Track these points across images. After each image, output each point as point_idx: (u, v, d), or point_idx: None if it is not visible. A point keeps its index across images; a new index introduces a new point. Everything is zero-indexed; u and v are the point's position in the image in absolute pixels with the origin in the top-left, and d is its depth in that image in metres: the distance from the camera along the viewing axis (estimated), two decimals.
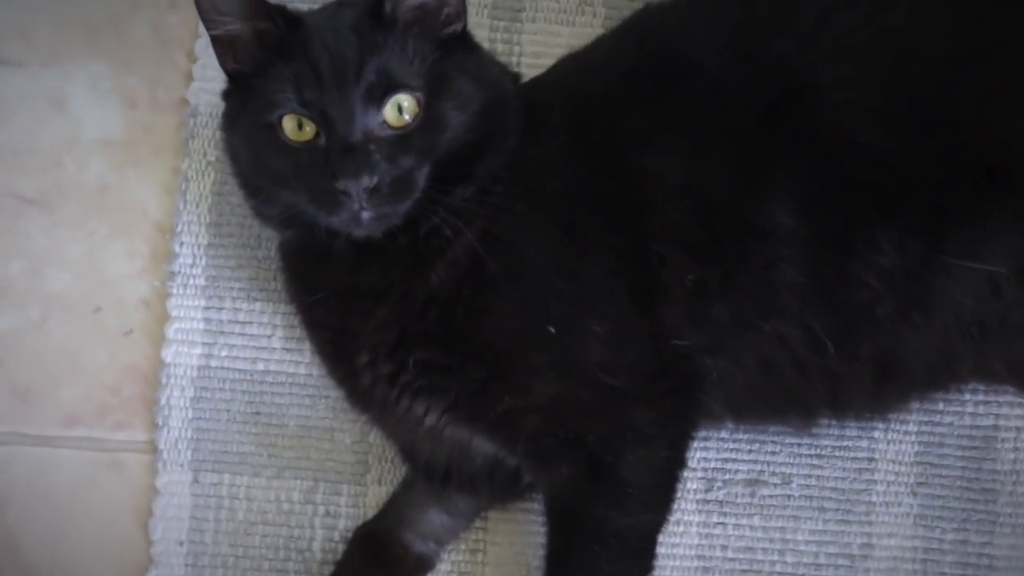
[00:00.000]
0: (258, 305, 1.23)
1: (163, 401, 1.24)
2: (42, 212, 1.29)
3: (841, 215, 1.02)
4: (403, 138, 0.97)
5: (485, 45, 1.22)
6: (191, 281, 1.25)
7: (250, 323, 1.24)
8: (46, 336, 1.28)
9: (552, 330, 1.02)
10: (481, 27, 1.27)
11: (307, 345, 1.17)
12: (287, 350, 1.22)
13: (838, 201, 1.02)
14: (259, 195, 1.06)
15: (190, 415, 1.24)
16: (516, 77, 1.11)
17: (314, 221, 1.00)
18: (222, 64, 1.04)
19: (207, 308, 1.25)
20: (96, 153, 1.29)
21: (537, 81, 1.15)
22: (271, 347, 1.23)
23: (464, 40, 1.04)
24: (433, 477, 1.16)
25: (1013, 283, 1.02)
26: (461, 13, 1.03)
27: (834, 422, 1.18)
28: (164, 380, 1.24)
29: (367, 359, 1.06)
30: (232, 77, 1.04)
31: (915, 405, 1.19)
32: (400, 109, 0.97)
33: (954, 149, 1.00)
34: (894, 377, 1.09)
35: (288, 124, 0.98)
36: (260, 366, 1.24)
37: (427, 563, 1.19)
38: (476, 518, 1.21)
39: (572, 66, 1.14)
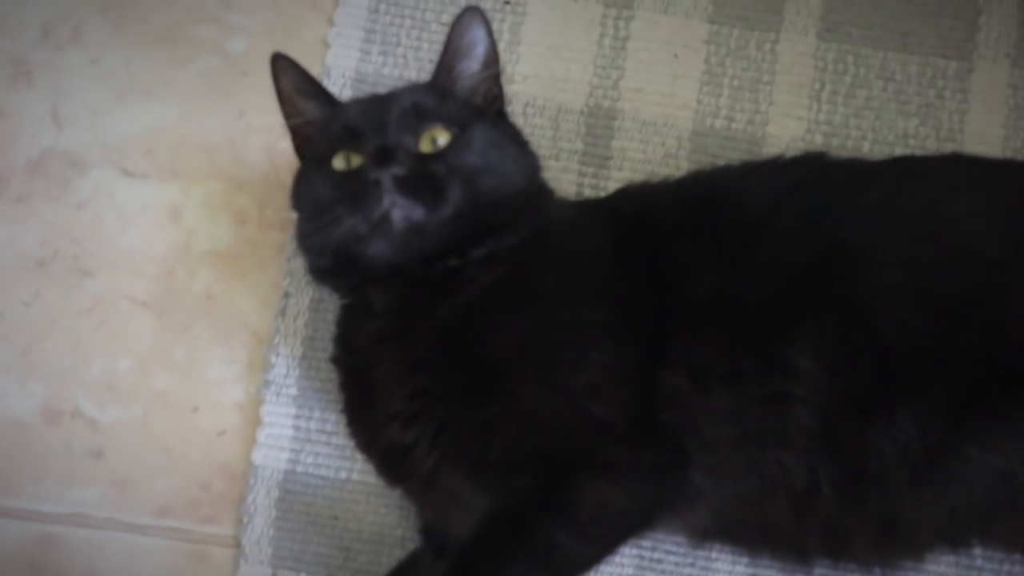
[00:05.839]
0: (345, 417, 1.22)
1: (249, 500, 1.26)
2: (152, 315, 1.32)
3: (866, 381, 1.01)
4: (433, 155, 1.07)
5: (573, 189, 1.28)
6: (284, 390, 1.28)
7: (336, 433, 1.25)
8: (147, 431, 1.30)
9: (547, 343, 1.03)
10: (570, 172, 1.30)
11: None
12: (368, 461, 1.20)
13: (864, 366, 1.01)
14: (311, 237, 1.11)
15: (273, 515, 1.25)
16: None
17: (355, 250, 1.06)
18: (296, 150, 1.18)
19: (297, 416, 1.27)
20: (205, 264, 1.33)
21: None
22: (354, 458, 1.24)
23: (501, 116, 1.15)
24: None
25: None
26: (499, 96, 1.16)
27: (834, 568, 1.15)
28: (252, 481, 1.26)
29: (384, 409, 1.08)
30: (302, 157, 1.17)
31: (929, 558, 1.16)
32: (434, 141, 1.08)
33: (990, 346, 0.99)
34: (900, 536, 1.06)
35: (337, 160, 1.10)
36: (343, 475, 1.26)
37: None
38: None
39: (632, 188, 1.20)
